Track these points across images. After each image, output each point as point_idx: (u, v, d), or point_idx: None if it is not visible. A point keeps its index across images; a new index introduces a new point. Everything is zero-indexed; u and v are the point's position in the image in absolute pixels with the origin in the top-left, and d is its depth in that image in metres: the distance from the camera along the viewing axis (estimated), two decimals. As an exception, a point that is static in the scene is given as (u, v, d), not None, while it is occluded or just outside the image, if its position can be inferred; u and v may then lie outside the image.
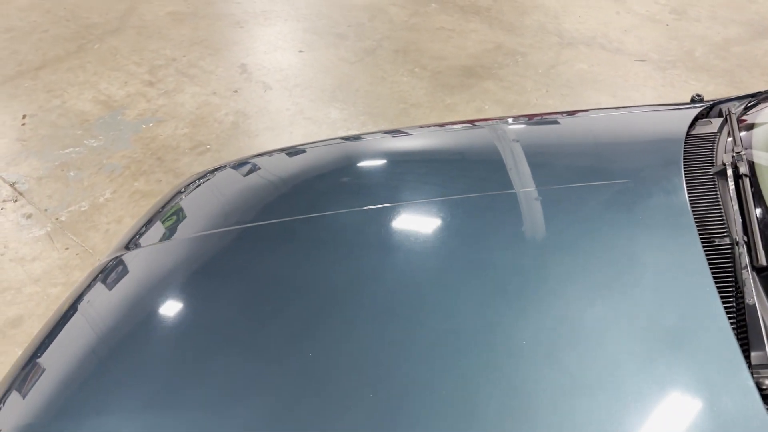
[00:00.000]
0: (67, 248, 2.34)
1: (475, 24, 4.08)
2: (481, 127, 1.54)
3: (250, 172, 1.47)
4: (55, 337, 1.11)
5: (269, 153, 1.56)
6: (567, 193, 1.18)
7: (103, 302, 1.15)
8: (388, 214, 1.20)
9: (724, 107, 1.44)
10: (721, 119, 1.40)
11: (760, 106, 1.41)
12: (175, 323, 1.06)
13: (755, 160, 1.19)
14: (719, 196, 1.14)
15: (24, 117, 3.03)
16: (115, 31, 3.80)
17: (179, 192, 1.47)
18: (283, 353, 0.95)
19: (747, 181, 1.13)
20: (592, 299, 0.96)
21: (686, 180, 1.15)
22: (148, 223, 1.38)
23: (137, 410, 0.92)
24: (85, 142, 2.88)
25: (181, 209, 1.40)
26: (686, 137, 1.31)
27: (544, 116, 1.60)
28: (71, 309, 1.17)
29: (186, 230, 1.30)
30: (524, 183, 1.22)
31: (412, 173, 1.37)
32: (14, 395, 1.01)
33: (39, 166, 2.73)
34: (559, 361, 0.87)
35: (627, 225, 1.07)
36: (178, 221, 1.36)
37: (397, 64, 3.58)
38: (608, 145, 1.39)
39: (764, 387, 0.82)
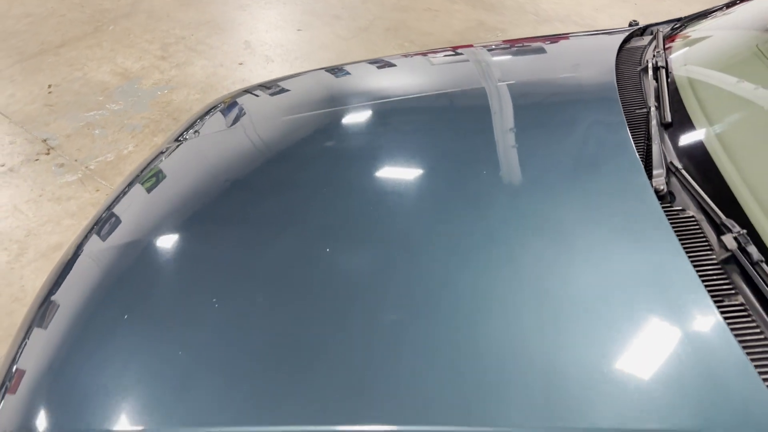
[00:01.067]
0: (97, 190, 2.63)
1: (460, 5, 4.41)
2: (460, 55, 1.84)
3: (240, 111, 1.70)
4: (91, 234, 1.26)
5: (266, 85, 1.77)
6: (536, 108, 1.48)
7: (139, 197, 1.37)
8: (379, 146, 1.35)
9: (654, 28, 1.76)
10: (651, 36, 1.72)
11: (685, 28, 1.73)
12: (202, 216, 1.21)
13: (670, 58, 1.51)
14: (641, 83, 1.46)
15: (49, 87, 3.33)
16: (127, 15, 4.12)
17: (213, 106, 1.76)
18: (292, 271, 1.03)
19: (662, 71, 1.45)
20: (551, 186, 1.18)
21: (617, 76, 1.46)
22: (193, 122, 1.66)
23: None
24: (107, 106, 3.18)
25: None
26: (620, 49, 1.63)
27: (515, 44, 1.91)
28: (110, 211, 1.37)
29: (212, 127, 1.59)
30: (503, 106, 1.53)
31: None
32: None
33: (66, 126, 3.03)
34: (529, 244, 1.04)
35: (573, 110, 1.37)
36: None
37: (388, 39, 3.91)
38: (561, 59, 1.70)
39: (659, 189, 1.12)
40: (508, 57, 1.72)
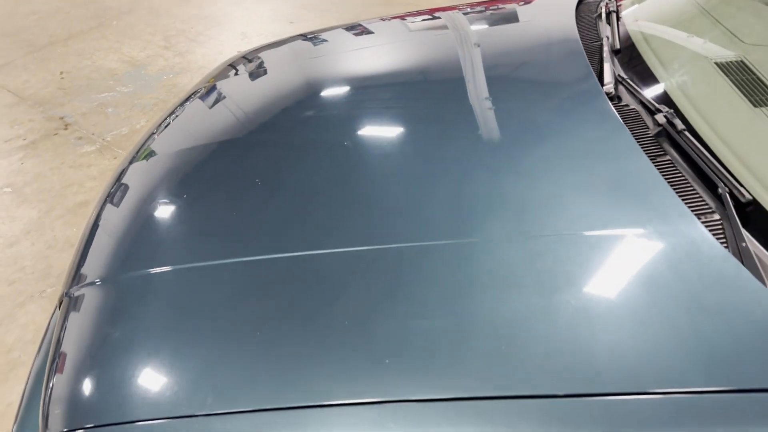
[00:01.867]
0: (115, 158, 2.88)
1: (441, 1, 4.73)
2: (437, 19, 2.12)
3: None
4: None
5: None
6: (511, 49, 1.77)
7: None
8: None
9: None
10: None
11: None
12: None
13: (619, 6, 1.81)
14: (596, 25, 1.75)
15: (61, 73, 3.57)
16: (130, 12, 4.38)
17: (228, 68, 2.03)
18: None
19: (613, 14, 1.75)
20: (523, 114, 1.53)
21: (577, 22, 1.75)
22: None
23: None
24: (117, 89, 3.43)
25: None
26: (578, 4, 1.93)
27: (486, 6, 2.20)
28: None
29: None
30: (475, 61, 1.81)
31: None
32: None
33: (81, 106, 3.27)
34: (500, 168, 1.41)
35: (542, 48, 1.66)
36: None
37: (375, 30, 4.20)
38: (532, 12, 1.99)
39: (609, 93, 1.40)
40: (486, 12, 2.01)
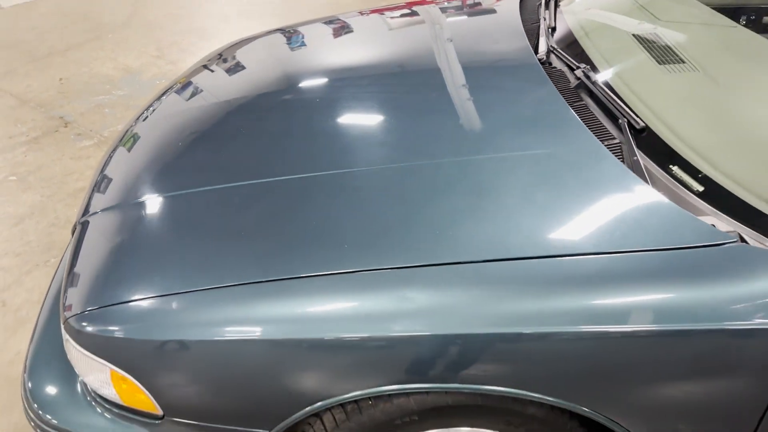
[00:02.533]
0: (112, 151, 3.10)
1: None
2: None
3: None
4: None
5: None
6: (466, 33, 2.04)
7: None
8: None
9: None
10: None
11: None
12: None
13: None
14: (538, 11, 2.02)
15: (61, 79, 3.81)
16: (124, 26, 4.64)
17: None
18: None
19: (552, 2, 2.02)
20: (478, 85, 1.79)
21: (522, 12, 2.01)
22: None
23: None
24: (114, 92, 3.67)
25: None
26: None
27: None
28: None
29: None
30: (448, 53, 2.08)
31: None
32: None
33: (79, 107, 3.50)
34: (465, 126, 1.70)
35: (491, 31, 1.92)
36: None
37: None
38: (484, 5, 2.25)
39: (541, 58, 1.65)
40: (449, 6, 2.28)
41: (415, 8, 2.27)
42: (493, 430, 1.18)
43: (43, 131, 3.25)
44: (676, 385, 1.03)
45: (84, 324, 1.15)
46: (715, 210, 1.11)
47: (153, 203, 1.36)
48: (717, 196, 1.13)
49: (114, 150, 1.67)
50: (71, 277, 1.28)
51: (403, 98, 1.56)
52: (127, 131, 1.75)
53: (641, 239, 1.05)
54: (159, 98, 1.87)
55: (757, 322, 0.96)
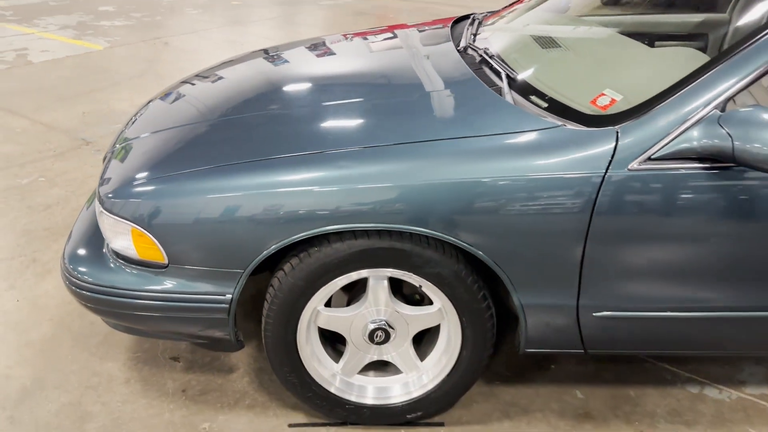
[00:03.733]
0: (127, 162, 3.65)
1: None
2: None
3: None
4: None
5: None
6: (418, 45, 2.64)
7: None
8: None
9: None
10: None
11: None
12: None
13: (481, 21, 2.70)
14: (465, 29, 2.61)
15: (84, 113, 4.42)
16: (140, 77, 5.31)
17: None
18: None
19: (476, 22, 2.62)
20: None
21: (452, 29, 2.61)
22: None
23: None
24: (129, 122, 4.26)
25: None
26: (453, 24, 2.81)
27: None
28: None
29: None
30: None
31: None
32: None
33: (99, 132, 4.08)
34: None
35: (432, 45, 2.52)
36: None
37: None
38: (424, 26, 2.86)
39: (459, 50, 2.23)
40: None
41: (378, 33, 2.88)
42: (405, 270, 1.65)
43: (67, 148, 3.81)
44: (520, 226, 1.53)
45: (117, 196, 1.66)
46: (553, 115, 1.64)
47: (163, 134, 1.90)
48: (554, 108, 1.67)
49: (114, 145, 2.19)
50: (105, 172, 1.80)
51: (361, 72, 2.13)
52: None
53: (505, 127, 1.59)
54: (145, 105, 2.40)
55: (569, 174, 1.49)
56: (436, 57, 2.20)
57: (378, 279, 1.69)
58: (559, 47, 2.13)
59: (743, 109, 1.44)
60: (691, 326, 1.71)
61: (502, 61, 2.02)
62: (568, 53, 2.07)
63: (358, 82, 2.11)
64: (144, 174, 1.71)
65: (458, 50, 2.22)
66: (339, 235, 1.61)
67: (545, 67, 1.99)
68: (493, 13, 2.87)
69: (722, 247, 1.57)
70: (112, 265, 1.77)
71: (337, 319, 1.77)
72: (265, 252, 1.60)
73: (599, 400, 2.00)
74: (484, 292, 1.68)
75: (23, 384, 2.03)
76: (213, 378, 2.07)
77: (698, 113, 1.49)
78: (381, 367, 1.90)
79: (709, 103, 1.49)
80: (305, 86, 2.12)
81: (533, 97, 1.75)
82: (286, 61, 2.41)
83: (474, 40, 2.33)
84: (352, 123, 1.79)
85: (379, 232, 1.60)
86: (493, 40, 2.29)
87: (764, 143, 1.37)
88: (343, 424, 1.89)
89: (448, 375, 1.82)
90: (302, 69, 2.29)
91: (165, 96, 2.30)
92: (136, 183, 1.69)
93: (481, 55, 2.10)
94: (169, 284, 1.69)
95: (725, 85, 1.50)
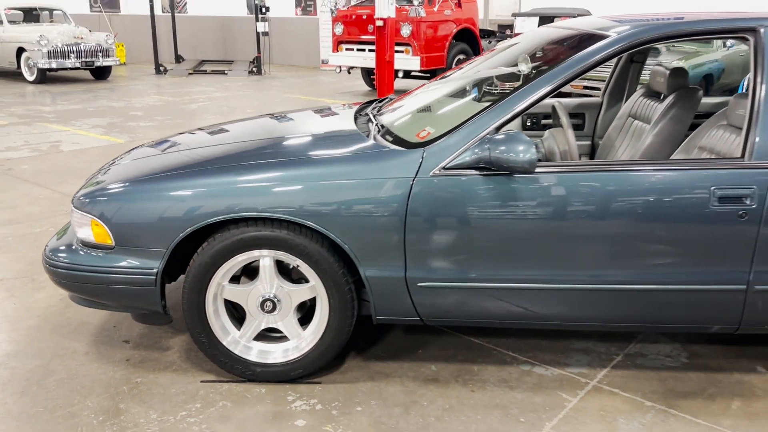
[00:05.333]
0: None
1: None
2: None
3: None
4: None
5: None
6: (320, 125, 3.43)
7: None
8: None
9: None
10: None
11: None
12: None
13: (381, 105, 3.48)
14: (366, 107, 3.38)
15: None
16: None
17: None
18: None
19: (377, 104, 3.40)
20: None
21: (355, 112, 3.38)
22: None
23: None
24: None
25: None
26: (358, 111, 3.59)
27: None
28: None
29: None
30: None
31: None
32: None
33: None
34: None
35: (335, 122, 3.30)
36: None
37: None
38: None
39: (355, 118, 2.99)
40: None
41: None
42: (285, 251, 2.28)
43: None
44: (362, 214, 2.19)
45: (83, 197, 2.39)
46: (391, 143, 2.35)
47: (130, 161, 2.65)
48: (395, 140, 2.39)
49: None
50: (82, 186, 2.53)
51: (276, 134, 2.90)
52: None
53: (357, 150, 2.31)
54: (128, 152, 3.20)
55: (393, 176, 2.18)
56: (339, 119, 2.96)
57: (266, 260, 2.33)
58: (424, 110, 2.86)
59: (498, 135, 2.13)
60: (498, 297, 2.29)
61: (379, 120, 2.75)
62: (425, 113, 2.80)
63: (269, 133, 2.85)
64: (103, 183, 2.43)
65: (354, 115, 2.97)
66: (235, 223, 2.27)
67: (406, 121, 2.72)
68: (392, 99, 3.66)
69: (497, 231, 2.20)
70: (77, 249, 2.45)
71: (237, 292, 2.40)
72: (181, 235, 2.27)
73: (447, 371, 2.54)
74: (343, 270, 2.30)
75: (7, 351, 2.66)
76: (152, 353, 2.67)
77: (474, 139, 2.19)
78: (277, 337, 2.49)
79: (481, 132, 2.19)
80: (242, 136, 2.84)
81: (387, 136, 2.46)
82: (226, 130, 3.15)
83: (367, 112, 3.07)
84: (256, 149, 2.51)
85: (264, 221, 2.26)
86: (386, 112, 3.03)
87: (504, 152, 2.04)
88: (241, 380, 2.45)
89: (320, 339, 2.40)
90: (243, 128, 3.03)
91: (151, 144, 3.10)
92: (96, 188, 2.41)
93: (368, 118, 2.84)
94: (114, 261, 2.36)
95: (491, 121, 2.20)
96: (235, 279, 2.44)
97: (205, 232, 2.34)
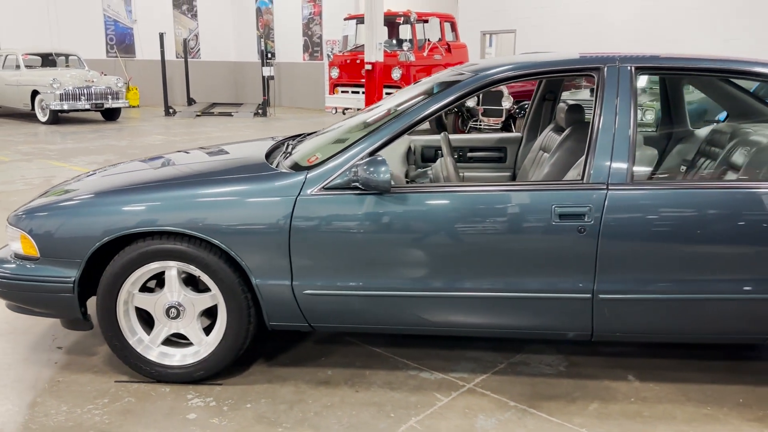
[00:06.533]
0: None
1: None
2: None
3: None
4: None
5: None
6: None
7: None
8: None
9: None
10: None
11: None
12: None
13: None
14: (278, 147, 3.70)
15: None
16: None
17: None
18: None
19: (290, 141, 3.72)
20: None
21: (276, 146, 3.71)
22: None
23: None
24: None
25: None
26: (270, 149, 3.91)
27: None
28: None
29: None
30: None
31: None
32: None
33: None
34: None
35: (246, 153, 3.63)
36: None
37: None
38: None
39: (266, 155, 3.31)
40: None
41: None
42: (186, 263, 2.57)
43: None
44: (253, 228, 2.49)
45: (17, 214, 2.72)
46: (287, 168, 2.65)
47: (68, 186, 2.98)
48: (293, 166, 2.68)
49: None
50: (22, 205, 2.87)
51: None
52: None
53: (257, 173, 2.62)
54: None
55: (279, 196, 2.49)
56: (251, 149, 3.28)
57: (172, 271, 2.62)
58: (327, 140, 3.17)
59: (364, 160, 2.42)
60: (373, 304, 2.55)
61: (291, 149, 3.07)
62: (326, 143, 3.11)
63: (195, 160, 3.17)
64: (34, 203, 2.76)
65: (276, 145, 3.29)
66: (142, 236, 2.57)
67: (308, 149, 3.02)
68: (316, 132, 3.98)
69: (365, 243, 2.47)
70: (10, 261, 2.77)
71: (146, 299, 2.69)
72: (94, 246, 2.58)
73: (341, 376, 2.78)
74: (239, 280, 2.58)
75: (-49, 354, 2.97)
76: (79, 358, 2.95)
77: (349, 163, 2.49)
78: (185, 343, 2.76)
79: (355, 158, 2.49)
80: (170, 163, 3.17)
81: (288, 162, 2.77)
82: (162, 158, 3.51)
83: (289, 143, 3.38)
84: (173, 173, 2.83)
85: (168, 235, 2.56)
86: (301, 142, 3.34)
87: (368, 174, 2.34)
88: (151, 381, 2.72)
89: (219, 344, 2.66)
90: (177, 157, 3.37)
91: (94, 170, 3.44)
92: (27, 207, 2.75)
93: (275, 148, 3.15)
94: (39, 271, 2.66)
95: (364, 149, 2.50)
96: (149, 288, 2.73)
97: (121, 245, 2.64)
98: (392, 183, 2.46)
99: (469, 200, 2.46)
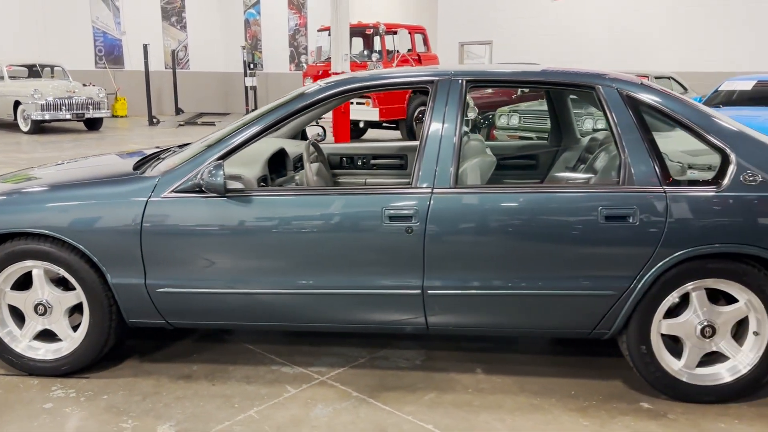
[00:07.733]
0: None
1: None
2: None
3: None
4: None
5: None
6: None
7: None
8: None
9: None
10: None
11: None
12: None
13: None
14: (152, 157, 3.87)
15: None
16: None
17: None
18: None
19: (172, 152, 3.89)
20: None
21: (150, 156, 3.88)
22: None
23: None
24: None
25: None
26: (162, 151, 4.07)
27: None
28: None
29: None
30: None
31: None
32: None
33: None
34: None
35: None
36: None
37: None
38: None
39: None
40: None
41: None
42: (50, 262, 2.72)
43: None
44: (107, 227, 2.64)
45: None
46: (149, 177, 2.80)
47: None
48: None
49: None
50: None
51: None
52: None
53: (113, 177, 2.77)
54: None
55: (134, 198, 2.64)
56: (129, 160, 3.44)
57: (38, 270, 2.77)
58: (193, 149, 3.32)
59: (208, 166, 2.57)
60: (220, 300, 2.69)
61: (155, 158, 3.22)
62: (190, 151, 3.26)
63: (80, 167, 3.33)
64: None
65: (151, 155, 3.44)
66: (10, 236, 2.73)
67: (168, 157, 3.17)
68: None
69: (209, 242, 2.62)
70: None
71: (17, 297, 2.84)
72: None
73: (204, 371, 2.92)
74: (99, 279, 2.73)
75: None
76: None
77: (197, 168, 2.64)
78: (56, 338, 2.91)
79: (203, 163, 2.64)
80: (63, 169, 3.33)
81: (153, 168, 2.92)
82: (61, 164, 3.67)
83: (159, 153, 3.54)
84: (53, 179, 2.98)
85: (32, 236, 2.71)
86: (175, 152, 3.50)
87: (208, 178, 2.50)
88: (23, 374, 2.87)
89: (84, 339, 2.81)
90: (76, 163, 3.53)
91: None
92: None
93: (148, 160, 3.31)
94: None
95: (212, 155, 2.66)
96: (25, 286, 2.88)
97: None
98: (238, 186, 2.61)
99: (301, 203, 2.61)
